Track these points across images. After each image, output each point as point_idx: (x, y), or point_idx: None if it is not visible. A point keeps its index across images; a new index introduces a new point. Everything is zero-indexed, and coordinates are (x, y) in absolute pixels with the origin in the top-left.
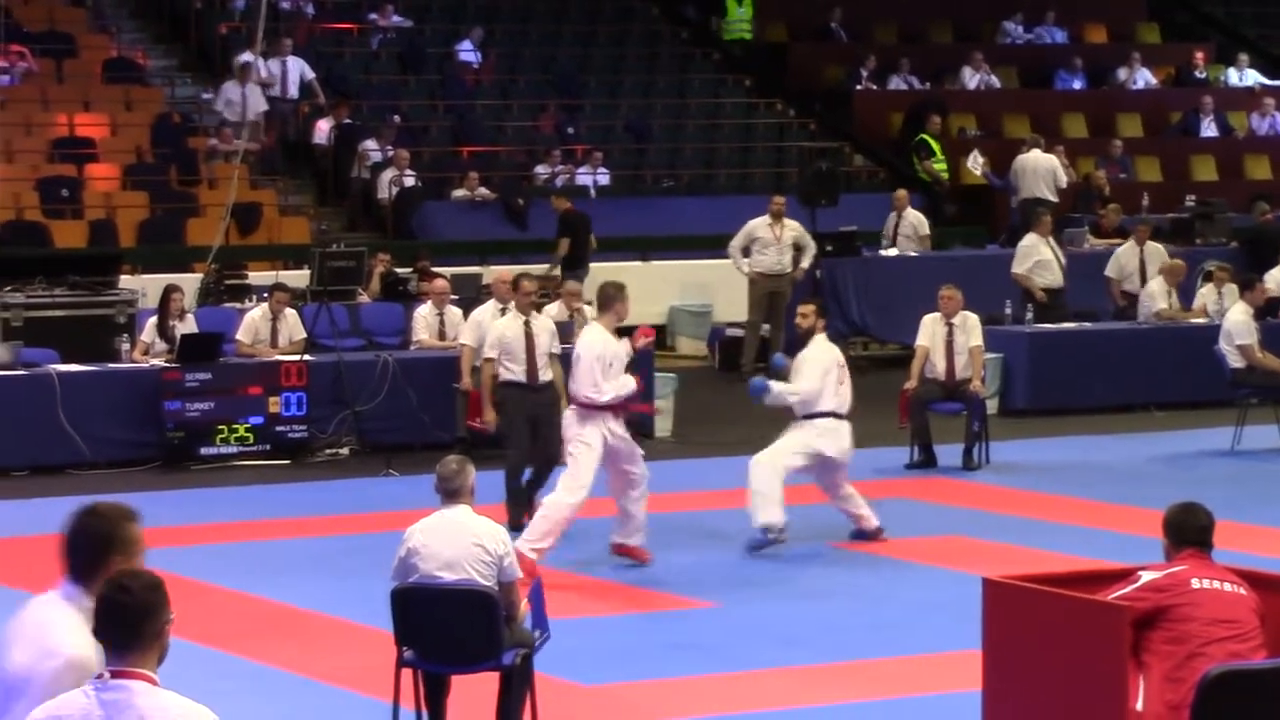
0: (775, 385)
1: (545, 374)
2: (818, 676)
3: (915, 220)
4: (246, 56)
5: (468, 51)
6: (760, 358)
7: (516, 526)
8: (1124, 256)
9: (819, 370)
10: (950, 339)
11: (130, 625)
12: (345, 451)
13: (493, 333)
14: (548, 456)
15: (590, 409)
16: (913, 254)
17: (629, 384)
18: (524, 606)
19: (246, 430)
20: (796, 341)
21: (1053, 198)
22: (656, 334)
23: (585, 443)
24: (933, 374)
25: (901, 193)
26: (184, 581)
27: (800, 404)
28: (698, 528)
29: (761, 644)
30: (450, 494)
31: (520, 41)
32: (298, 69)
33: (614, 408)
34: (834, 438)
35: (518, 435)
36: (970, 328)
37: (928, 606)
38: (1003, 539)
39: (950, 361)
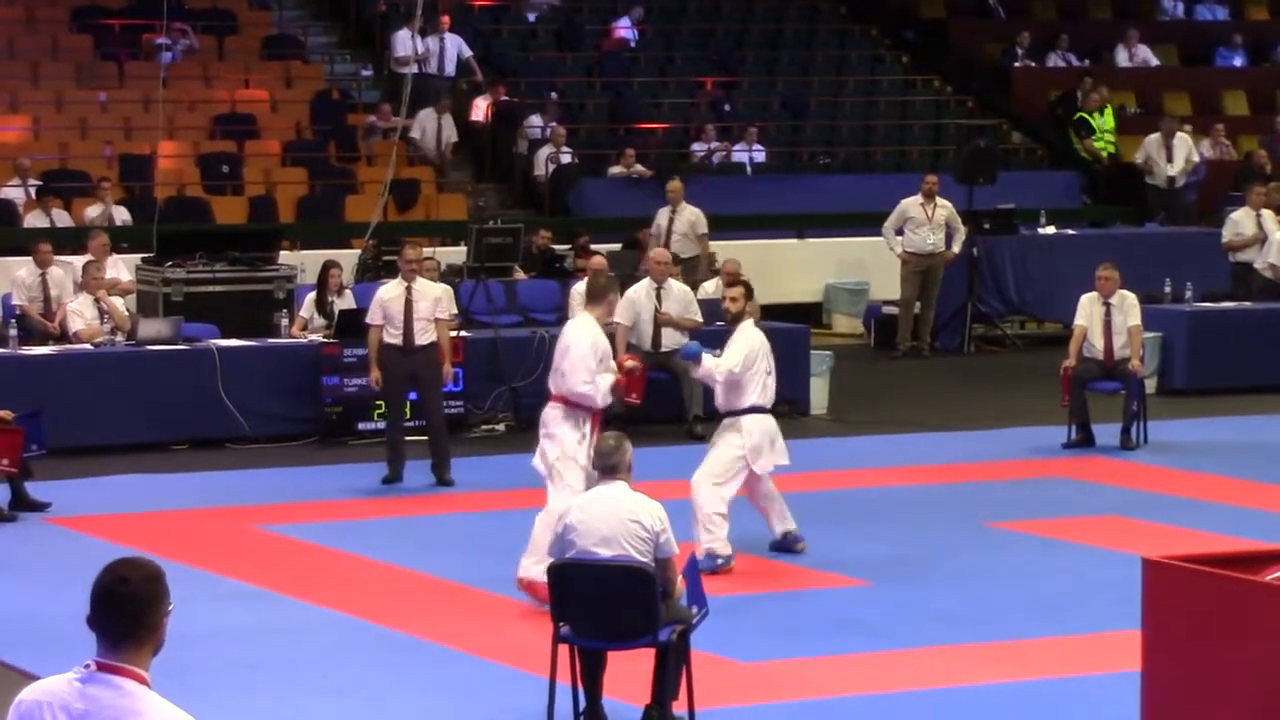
0: (707, 358)
1: (423, 338)
2: (975, 655)
3: (692, 217)
4: (404, 34)
5: (625, 28)
6: (914, 336)
7: (396, 478)
8: (1242, 223)
9: (742, 354)
10: (1108, 318)
11: (127, 617)
12: (501, 428)
13: (376, 300)
14: (428, 417)
15: (577, 407)
16: (1071, 232)
17: (608, 381)
18: (680, 583)
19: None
20: (725, 327)
21: (1179, 177)
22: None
23: (571, 458)
24: (1091, 353)
25: (676, 184)
26: (341, 555)
27: (724, 389)
28: (851, 505)
29: (917, 622)
30: (608, 470)
31: (678, 18)
32: (455, 46)
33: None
34: (765, 450)
35: (393, 395)
36: (1128, 307)
37: (1084, 586)
38: (1160, 519)
39: (1108, 341)
